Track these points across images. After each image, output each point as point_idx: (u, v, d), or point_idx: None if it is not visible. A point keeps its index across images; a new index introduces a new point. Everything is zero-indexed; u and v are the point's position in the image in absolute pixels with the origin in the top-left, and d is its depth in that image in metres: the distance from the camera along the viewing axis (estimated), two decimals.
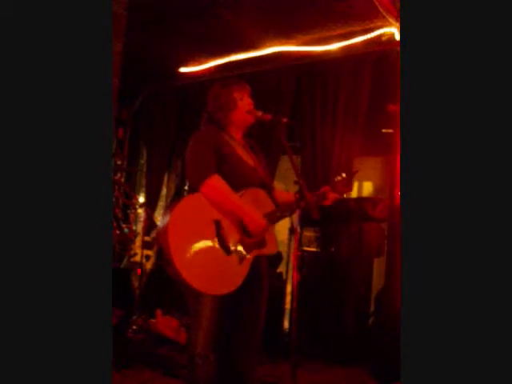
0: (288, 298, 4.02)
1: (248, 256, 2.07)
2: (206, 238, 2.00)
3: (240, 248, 2.06)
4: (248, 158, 2.26)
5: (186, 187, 2.25)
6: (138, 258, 4.45)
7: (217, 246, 2.00)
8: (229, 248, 2.02)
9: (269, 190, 2.26)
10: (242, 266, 2.05)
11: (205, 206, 2.03)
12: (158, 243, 2.09)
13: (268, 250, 2.17)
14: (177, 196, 5.42)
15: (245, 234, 2.08)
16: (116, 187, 4.43)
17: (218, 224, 2.02)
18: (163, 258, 1.97)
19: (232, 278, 2.02)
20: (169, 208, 2.07)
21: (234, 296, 2.03)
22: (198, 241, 1.98)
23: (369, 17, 3.68)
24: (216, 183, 2.04)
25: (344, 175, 2.36)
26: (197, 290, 1.94)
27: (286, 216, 2.25)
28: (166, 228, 1.93)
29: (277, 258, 4.21)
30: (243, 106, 2.25)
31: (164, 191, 5.70)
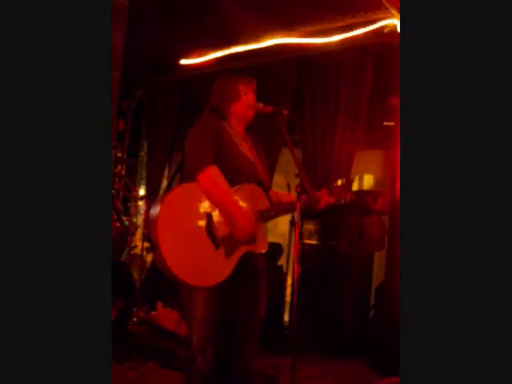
0: (288, 291, 4.03)
1: (235, 252, 2.06)
2: (196, 229, 1.99)
3: (228, 243, 2.05)
4: (248, 152, 2.24)
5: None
6: (138, 251, 4.46)
7: (205, 237, 2.00)
8: (218, 242, 2.02)
9: (265, 187, 2.25)
10: (229, 261, 2.03)
11: (197, 198, 2.02)
12: (149, 230, 2.08)
13: (257, 248, 2.14)
14: (169, 186, 5.42)
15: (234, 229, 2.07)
16: (116, 180, 4.42)
17: (209, 217, 2.02)
18: (152, 246, 1.97)
19: (218, 271, 2.01)
20: (162, 196, 2.07)
21: (228, 292, 2.03)
22: (187, 230, 1.97)
23: (371, 8, 3.66)
24: (211, 174, 2.03)
25: (342, 181, 2.33)
26: (181, 280, 1.94)
27: (279, 215, 2.24)
28: (156, 218, 1.93)
29: (277, 251, 4.21)
30: (246, 100, 2.24)
31: (165, 183, 5.69)
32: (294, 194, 2.18)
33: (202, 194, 2.02)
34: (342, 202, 2.35)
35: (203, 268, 1.99)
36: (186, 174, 2.20)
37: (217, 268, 2.01)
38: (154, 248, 1.94)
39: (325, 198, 2.29)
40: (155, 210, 1.97)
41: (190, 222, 1.99)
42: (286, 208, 2.23)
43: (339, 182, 2.34)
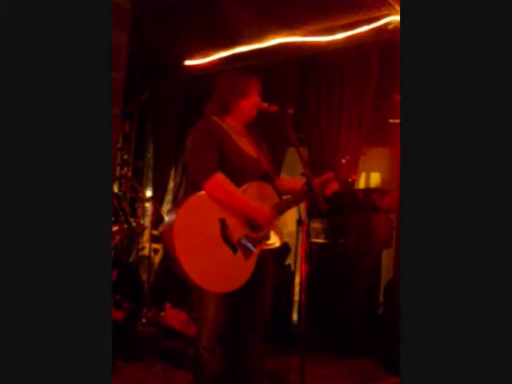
0: (296, 290, 4.02)
1: (255, 251, 2.07)
2: (212, 237, 2.00)
3: (247, 244, 2.05)
4: (250, 149, 2.24)
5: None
6: (146, 252, 4.48)
7: (222, 243, 2.00)
8: (234, 245, 2.02)
9: (271, 180, 2.25)
10: (248, 263, 2.05)
11: (210, 205, 2.02)
12: (164, 242, 2.09)
13: (273, 244, 2.17)
14: (179, 190, 5.44)
15: (251, 229, 2.08)
16: (123, 181, 4.44)
17: (222, 222, 2.02)
18: (170, 257, 1.98)
19: (238, 275, 2.03)
20: (174, 207, 2.07)
21: (240, 291, 2.04)
22: (203, 240, 1.98)
23: (375, 5, 3.64)
24: (219, 181, 2.03)
25: (346, 160, 2.31)
26: (203, 288, 1.96)
27: (291, 207, 2.24)
28: (171, 228, 1.93)
29: (285, 250, 4.21)
30: (254, 100, 2.24)
31: (171, 185, 5.71)
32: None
33: (211, 202, 2.03)
34: (350, 180, 2.34)
35: (226, 274, 2.01)
36: (190, 183, 2.20)
37: (238, 271, 2.04)
38: (173, 262, 1.95)
39: (331, 185, 2.24)
40: (169, 221, 1.97)
41: (204, 231, 2.00)
42: (295, 199, 2.22)
43: (344, 160, 2.32)
